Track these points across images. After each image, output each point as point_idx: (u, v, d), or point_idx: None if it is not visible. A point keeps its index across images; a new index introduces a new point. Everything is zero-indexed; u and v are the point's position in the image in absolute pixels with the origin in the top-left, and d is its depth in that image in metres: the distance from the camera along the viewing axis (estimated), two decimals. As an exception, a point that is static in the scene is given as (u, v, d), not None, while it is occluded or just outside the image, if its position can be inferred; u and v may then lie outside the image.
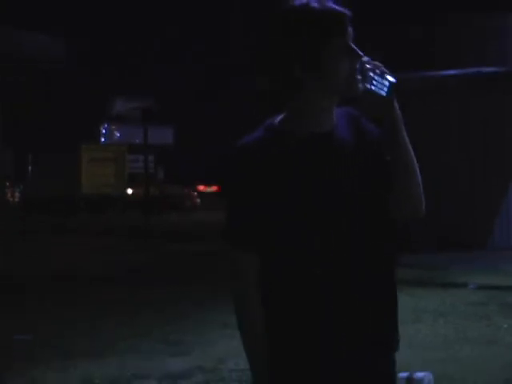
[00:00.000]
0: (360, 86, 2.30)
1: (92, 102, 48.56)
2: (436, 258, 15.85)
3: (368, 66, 2.28)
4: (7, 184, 39.30)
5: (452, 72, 17.35)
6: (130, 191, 42.16)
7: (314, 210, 2.34)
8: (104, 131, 47.71)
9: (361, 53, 2.33)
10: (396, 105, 2.32)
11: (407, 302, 10.54)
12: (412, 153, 2.38)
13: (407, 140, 2.38)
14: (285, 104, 2.42)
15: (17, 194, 45.54)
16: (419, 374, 5.18)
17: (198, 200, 40.22)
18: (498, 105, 17.62)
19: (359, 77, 2.29)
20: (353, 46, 2.34)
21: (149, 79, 48.48)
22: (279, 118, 2.43)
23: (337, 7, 2.35)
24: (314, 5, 2.33)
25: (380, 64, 2.30)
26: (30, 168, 43.75)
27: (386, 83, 2.28)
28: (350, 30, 2.36)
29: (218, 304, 10.38)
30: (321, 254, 2.34)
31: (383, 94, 2.28)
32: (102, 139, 47.57)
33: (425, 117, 18.18)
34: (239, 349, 2.58)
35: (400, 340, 2.47)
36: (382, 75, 2.28)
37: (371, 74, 2.27)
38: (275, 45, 2.38)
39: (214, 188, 41.09)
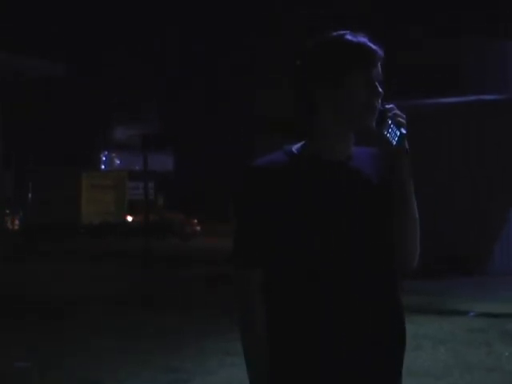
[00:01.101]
0: (374, 123, 2.38)
1: (92, 130, 48.62)
2: (435, 283, 15.83)
3: (389, 113, 2.36)
4: (7, 211, 39.27)
5: (453, 99, 17.43)
6: (130, 218, 42.14)
7: (317, 233, 2.38)
8: (104, 158, 47.81)
9: (380, 91, 2.42)
10: (406, 158, 2.40)
11: (406, 328, 10.53)
12: (414, 210, 2.43)
13: (412, 196, 2.43)
14: (287, 132, 2.52)
15: (16, 222, 45.52)
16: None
17: (198, 227, 40.18)
18: (499, 129, 17.69)
19: (377, 119, 2.37)
20: (375, 83, 2.42)
21: (150, 107, 48.58)
22: (299, 144, 2.50)
23: (369, 43, 2.42)
24: (348, 37, 2.41)
25: (402, 114, 2.38)
26: (29, 195, 43.78)
27: (398, 133, 2.36)
28: (376, 68, 2.43)
29: (219, 331, 10.37)
30: (322, 257, 2.38)
31: (393, 143, 2.36)
32: (102, 166, 47.65)
33: (426, 140, 18.25)
34: (240, 377, 2.61)
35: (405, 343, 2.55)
36: (397, 125, 2.36)
37: (389, 121, 2.35)
38: (301, 69, 2.45)
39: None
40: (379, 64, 2.44)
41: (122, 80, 46.98)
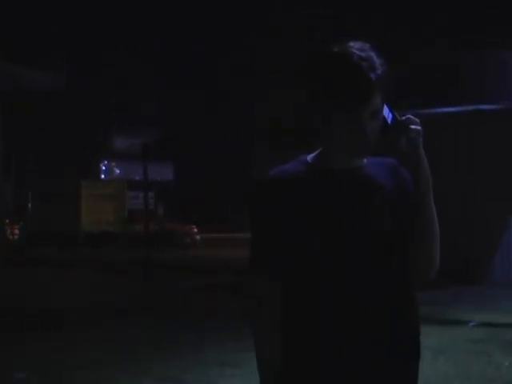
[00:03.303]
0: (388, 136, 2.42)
1: (92, 139, 48.63)
2: (436, 293, 15.80)
3: (404, 125, 2.41)
4: (7, 221, 39.31)
5: (450, 109, 17.45)
6: (129, 227, 42.13)
7: (330, 240, 2.41)
8: (104, 168, 47.84)
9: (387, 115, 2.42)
10: (424, 165, 2.46)
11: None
12: (431, 223, 2.56)
13: (430, 209, 2.55)
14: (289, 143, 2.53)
15: (16, 231, 45.53)
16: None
17: (198, 236, 40.19)
18: (498, 139, 17.71)
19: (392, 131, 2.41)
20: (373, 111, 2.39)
21: (149, 115, 48.61)
22: (314, 153, 2.53)
23: (365, 72, 2.37)
24: (354, 53, 2.39)
25: (416, 124, 2.41)
26: (29, 204, 43.81)
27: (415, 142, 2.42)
28: (375, 95, 2.38)
29: (219, 342, 10.36)
30: (330, 261, 2.41)
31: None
32: (102, 176, 47.69)
33: (424, 152, 18.25)
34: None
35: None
36: (412, 136, 2.42)
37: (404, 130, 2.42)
38: (314, 86, 2.47)
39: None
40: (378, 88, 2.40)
41: (122, 87, 47.02)
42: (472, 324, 11.85)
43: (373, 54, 2.40)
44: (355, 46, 2.40)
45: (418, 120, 2.40)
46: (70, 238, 39.77)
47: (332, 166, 2.46)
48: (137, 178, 40.82)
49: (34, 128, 44.62)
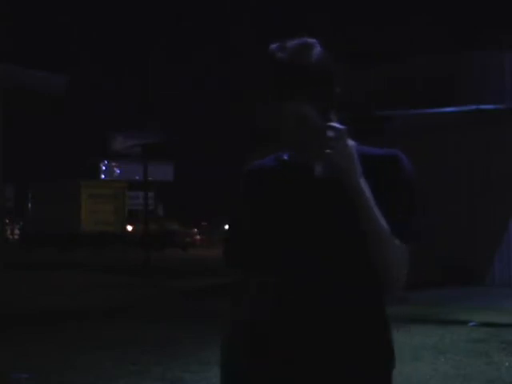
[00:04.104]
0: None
1: (92, 139, 48.65)
2: (436, 294, 15.82)
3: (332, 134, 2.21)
4: (7, 221, 39.32)
5: (451, 109, 17.45)
6: (129, 228, 42.16)
7: (290, 233, 2.34)
8: (104, 168, 47.83)
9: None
10: (356, 171, 2.21)
11: (406, 339, 10.52)
12: (375, 228, 2.22)
13: (370, 220, 2.22)
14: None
15: (16, 231, 45.52)
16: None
17: (198, 236, 40.21)
18: (499, 139, 17.70)
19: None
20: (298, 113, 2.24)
21: (151, 116, 48.67)
22: None
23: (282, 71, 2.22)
24: (278, 51, 2.25)
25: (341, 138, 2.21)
26: (29, 205, 43.79)
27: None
28: (300, 93, 2.21)
29: (218, 342, 10.34)
30: (293, 268, 2.32)
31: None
32: (102, 176, 47.67)
33: (425, 151, 18.27)
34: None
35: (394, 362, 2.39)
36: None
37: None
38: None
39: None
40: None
41: (123, 89, 47.02)
42: (472, 324, 11.84)
43: (305, 51, 2.24)
44: (287, 44, 2.26)
45: (340, 129, 2.20)
46: (70, 238, 39.78)
47: (299, 160, 2.36)
48: (137, 178, 40.84)
49: (34, 128, 44.60)
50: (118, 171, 47.86)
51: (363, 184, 2.21)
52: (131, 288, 18.88)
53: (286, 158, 2.43)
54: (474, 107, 17.16)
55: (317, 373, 2.31)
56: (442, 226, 17.80)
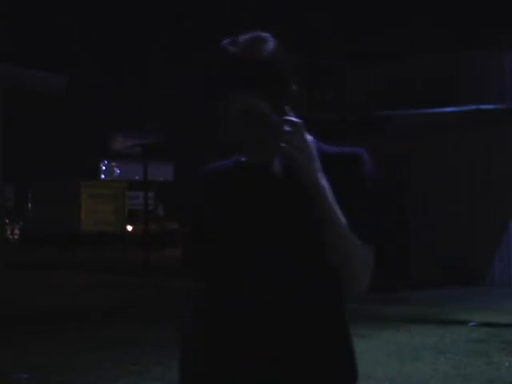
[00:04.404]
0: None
1: (92, 139, 48.67)
2: (436, 294, 15.83)
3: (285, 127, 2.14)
4: (7, 221, 39.32)
5: (451, 109, 17.45)
6: (129, 228, 42.17)
7: (241, 237, 2.28)
8: (104, 168, 47.85)
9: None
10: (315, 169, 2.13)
11: (406, 339, 10.52)
12: (335, 226, 2.14)
13: (331, 220, 2.13)
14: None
15: (16, 231, 45.52)
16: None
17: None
18: (499, 139, 17.70)
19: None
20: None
21: (151, 116, 48.70)
22: None
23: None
24: (229, 46, 2.19)
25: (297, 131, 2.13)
26: (29, 205, 43.79)
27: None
28: (249, 88, 2.15)
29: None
30: (244, 281, 2.27)
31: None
32: (102, 176, 47.69)
33: (425, 151, 18.27)
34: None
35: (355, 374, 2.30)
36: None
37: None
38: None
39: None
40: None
41: (123, 89, 47.05)
42: (472, 324, 11.84)
43: (258, 45, 2.17)
44: (240, 38, 2.19)
45: (297, 123, 2.12)
46: (70, 238, 39.78)
47: (256, 160, 2.27)
48: (137, 178, 40.85)
49: (34, 128, 44.61)
50: (118, 171, 47.90)
51: (322, 181, 2.13)
52: (131, 288, 18.88)
53: (242, 159, 2.34)
54: (474, 107, 17.15)
55: (287, 373, 2.23)
56: (442, 226, 17.81)
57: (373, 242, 2.20)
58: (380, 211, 2.25)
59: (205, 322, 2.41)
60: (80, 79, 43.07)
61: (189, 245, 2.45)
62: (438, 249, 17.69)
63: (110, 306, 15.40)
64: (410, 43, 26.90)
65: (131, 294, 17.69)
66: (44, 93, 20.84)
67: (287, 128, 2.11)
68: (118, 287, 19.09)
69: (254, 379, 2.24)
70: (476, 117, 17.27)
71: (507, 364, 8.94)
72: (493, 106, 17.31)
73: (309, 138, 2.16)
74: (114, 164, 48.08)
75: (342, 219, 2.14)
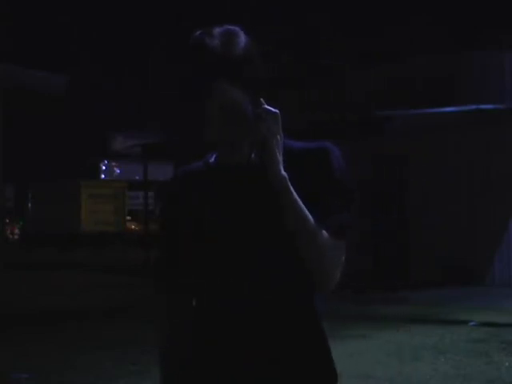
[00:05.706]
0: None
1: (92, 139, 48.69)
2: (436, 294, 15.83)
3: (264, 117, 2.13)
4: (7, 221, 39.32)
5: (451, 109, 17.45)
6: (129, 227, 42.18)
7: (214, 238, 2.26)
8: (104, 168, 47.86)
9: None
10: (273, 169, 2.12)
11: (406, 339, 10.52)
12: (303, 225, 2.13)
13: (294, 210, 2.12)
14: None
15: (16, 231, 45.52)
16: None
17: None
18: (499, 139, 17.71)
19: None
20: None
21: (151, 116, 48.72)
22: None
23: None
24: (201, 40, 2.19)
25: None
26: (29, 205, 43.80)
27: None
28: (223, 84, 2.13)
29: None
30: (219, 282, 2.28)
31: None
32: (102, 176, 47.71)
33: (425, 151, 18.27)
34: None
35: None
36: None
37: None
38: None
39: None
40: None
41: (123, 89, 47.06)
42: (472, 324, 11.84)
43: (233, 38, 2.16)
44: (213, 31, 2.19)
45: (275, 113, 2.11)
46: (70, 238, 39.78)
47: (226, 161, 2.27)
48: (137, 178, 40.85)
49: (34, 128, 44.62)
50: (118, 171, 47.92)
51: (284, 173, 2.11)
52: (131, 288, 18.86)
53: (212, 160, 2.33)
54: (474, 107, 17.15)
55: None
56: (442, 226, 17.80)
57: (336, 238, 2.17)
58: (347, 204, 2.23)
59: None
60: (80, 79, 43.05)
61: (161, 256, 2.47)
62: (437, 249, 17.68)
63: (110, 306, 15.39)
64: (410, 43, 26.91)
65: (131, 293, 17.68)
66: (44, 93, 20.85)
67: (265, 116, 2.11)
68: (118, 287, 19.09)
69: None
70: (476, 117, 17.26)
71: (507, 364, 8.94)
72: (493, 105, 17.30)
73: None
74: (114, 164, 48.10)
75: (307, 213, 2.13)
